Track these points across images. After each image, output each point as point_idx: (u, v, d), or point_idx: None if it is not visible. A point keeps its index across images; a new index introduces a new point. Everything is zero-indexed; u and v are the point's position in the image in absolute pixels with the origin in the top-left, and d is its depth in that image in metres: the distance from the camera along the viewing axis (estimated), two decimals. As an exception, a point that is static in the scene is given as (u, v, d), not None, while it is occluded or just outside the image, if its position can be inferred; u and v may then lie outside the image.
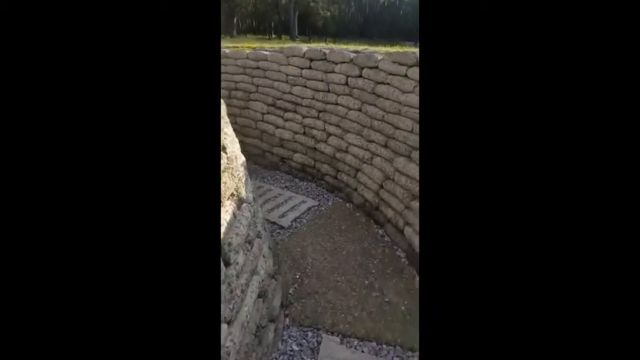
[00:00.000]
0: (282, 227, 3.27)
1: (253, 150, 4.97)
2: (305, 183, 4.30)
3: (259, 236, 1.94)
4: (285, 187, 4.19)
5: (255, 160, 4.93)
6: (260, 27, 20.93)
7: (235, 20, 18.16)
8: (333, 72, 3.92)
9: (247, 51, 4.82)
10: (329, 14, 19.14)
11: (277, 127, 4.64)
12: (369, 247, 3.03)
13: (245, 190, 1.85)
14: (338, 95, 3.96)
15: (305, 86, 4.24)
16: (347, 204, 3.83)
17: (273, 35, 18.59)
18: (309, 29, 19.22)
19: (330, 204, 3.81)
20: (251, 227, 1.78)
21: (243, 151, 5.37)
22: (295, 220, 3.41)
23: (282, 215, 3.47)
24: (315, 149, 4.30)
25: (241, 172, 1.82)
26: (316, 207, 3.69)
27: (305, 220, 3.42)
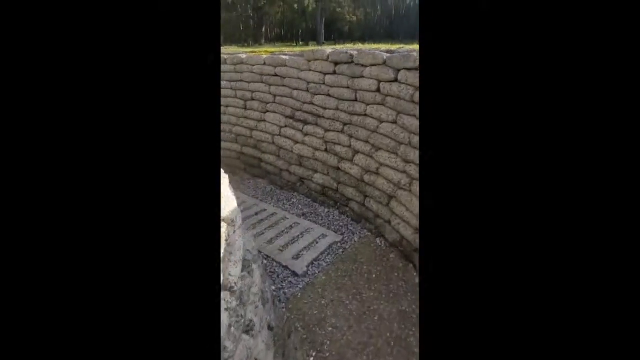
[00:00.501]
0: (295, 275, 2.60)
1: (269, 168, 4.39)
2: (326, 209, 3.62)
3: (248, 331, 1.27)
4: (303, 214, 3.52)
5: (272, 180, 4.34)
6: (288, 35, 21.05)
7: (263, 29, 18.39)
8: (362, 77, 3.23)
9: (264, 56, 4.27)
10: (355, 18, 18.70)
11: (296, 142, 4.01)
12: (410, 309, 2.26)
13: (227, 261, 1.19)
14: (367, 104, 3.27)
15: (328, 94, 3.59)
16: (378, 240, 3.08)
17: (300, 42, 18.47)
18: (336, 35, 18.91)
19: (356, 239, 3.09)
20: (232, 329, 1.11)
21: (258, 169, 4.64)
22: (312, 263, 2.72)
23: (297, 256, 2.80)
24: (338, 168, 3.61)
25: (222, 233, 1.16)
26: (339, 244, 2.98)
27: (324, 264, 2.72)
